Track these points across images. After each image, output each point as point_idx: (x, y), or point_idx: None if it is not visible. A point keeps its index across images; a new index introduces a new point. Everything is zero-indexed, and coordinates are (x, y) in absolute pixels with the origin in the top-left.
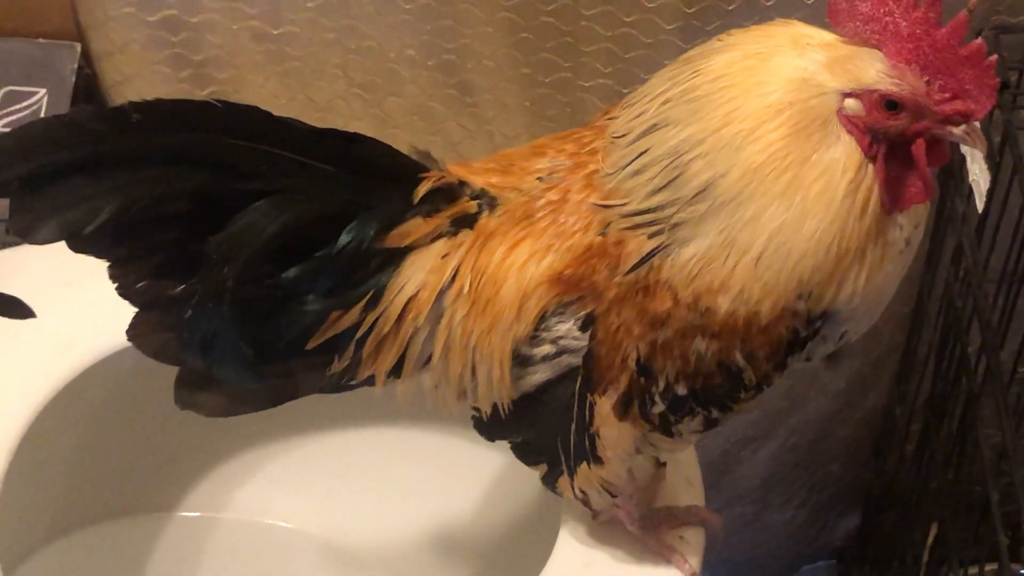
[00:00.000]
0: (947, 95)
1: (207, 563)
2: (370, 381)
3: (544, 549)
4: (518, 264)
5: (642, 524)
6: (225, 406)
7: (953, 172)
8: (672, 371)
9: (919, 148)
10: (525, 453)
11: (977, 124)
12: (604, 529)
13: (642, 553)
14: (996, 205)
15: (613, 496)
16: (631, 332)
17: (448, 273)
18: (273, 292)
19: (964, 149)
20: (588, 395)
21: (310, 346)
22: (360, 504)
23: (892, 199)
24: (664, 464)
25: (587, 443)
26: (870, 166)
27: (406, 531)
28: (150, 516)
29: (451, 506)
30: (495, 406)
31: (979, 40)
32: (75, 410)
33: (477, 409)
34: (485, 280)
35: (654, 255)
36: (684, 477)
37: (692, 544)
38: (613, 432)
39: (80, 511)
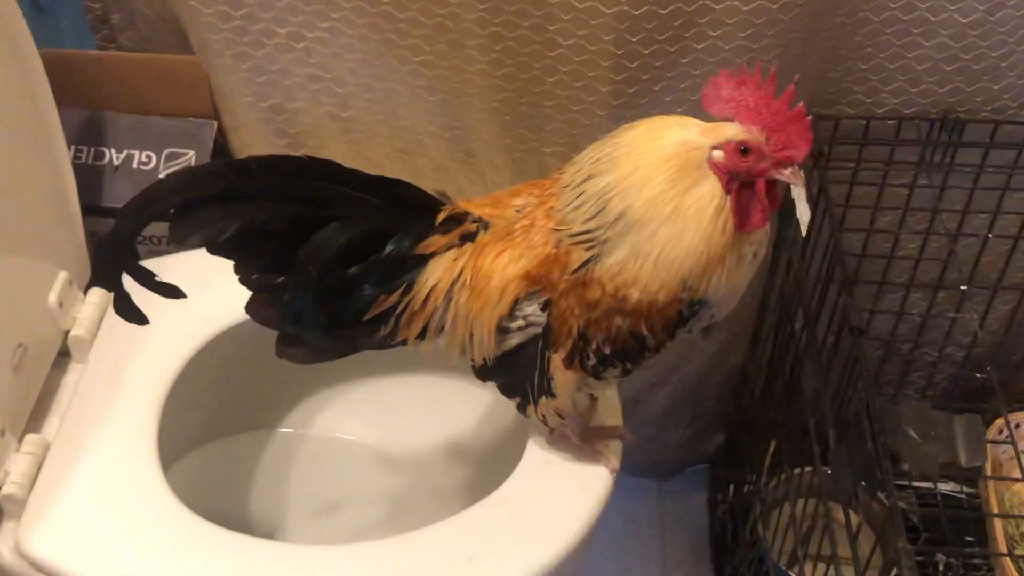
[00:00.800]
0: (780, 146)
1: (298, 464)
2: (404, 342)
3: (518, 453)
4: (501, 266)
5: (581, 437)
6: (308, 356)
7: (787, 211)
8: (601, 338)
9: (760, 186)
10: (506, 390)
11: (800, 171)
12: (557, 440)
13: (581, 456)
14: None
15: (562, 418)
16: (574, 312)
17: (456, 271)
18: (342, 283)
19: (793, 193)
20: (546, 352)
21: (365, 319)
22: (399, 424)
23: (741, 222)
24: (596, 398)
25: (545, 384)
26: (728, 199)
27: (428, 442)
28: (259, 431)
29: (458, 426)
30: (485, 360)
31: (801, 104)
32: (211, 360)
33: (474, 361)
34: (480, 276)
35: (589, 262)
36: (609, 407)
37: (614, 450)
38: (562, 377)
39: (214, 427)
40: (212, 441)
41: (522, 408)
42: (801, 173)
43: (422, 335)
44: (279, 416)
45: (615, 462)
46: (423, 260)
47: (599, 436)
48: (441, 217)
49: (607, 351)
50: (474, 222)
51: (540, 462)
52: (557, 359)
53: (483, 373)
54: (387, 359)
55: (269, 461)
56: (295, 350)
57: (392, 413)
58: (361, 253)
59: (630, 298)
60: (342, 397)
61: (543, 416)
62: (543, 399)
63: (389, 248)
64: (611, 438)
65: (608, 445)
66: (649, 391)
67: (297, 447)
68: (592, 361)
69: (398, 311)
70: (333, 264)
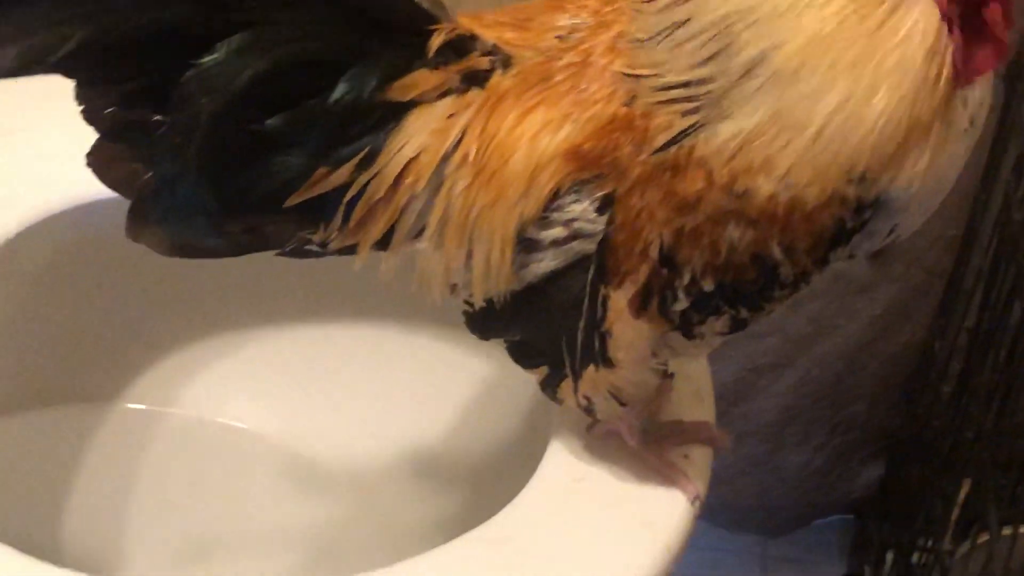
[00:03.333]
0: None
1: (151, 459)
2: (352, 250)
3: (531, 463)
4: (531, 133)
5: (644, 439)
6: (176, 248)
7: (1020, 74)
8: (699, 263)
9: (995, 6)
10: (523, 354)
11: None
12: (600, 444)
13: (642, 471)
14: None
15: (622, 404)
16: (655, 217)
17: (453, 136)
18: (253, 139)
19: None
20: (601, 288)
21: (289, 204)
22: (325, 410)
23: (966, 66)
24: (671, 375)
25: (597, 343)
26: (945, 31)
27: (376, 444)
28: (89, 405)
29: (429, 418)
30: (492, 298)
31: None
32: (8, 278)
33: (471, 299)
34: (493, 148)
35: (688, 133)
36: (694, 390)
37: (698, 464)
38: (628, 331)
39: (12, 395)
40: (11, 415)
41: (550, 386)
42: None
43: (384, 241)
44: (126, 384)
45: (699, 485)
46: (397, 112)
47: (674, 437)
48: (436, 43)
49: (709, 287)
50: (486, 54)
51: (567, 478)
52: (620, 299)
53: (484, 322)
54: (310, 298)
55: (106, 452)
56: (157, 230)
57: (314, 393)
58: (294, 93)
59: (757, 193)
60: (230, 360)
61: (587, 400)
62: (591, 369)
63: (343, 88)
64: (694, 442)
65: (687, 455)
66: (761, 379)
67: (153, 433)
68: (682, 304)
69: (349, 197)
70: (243, 102)
